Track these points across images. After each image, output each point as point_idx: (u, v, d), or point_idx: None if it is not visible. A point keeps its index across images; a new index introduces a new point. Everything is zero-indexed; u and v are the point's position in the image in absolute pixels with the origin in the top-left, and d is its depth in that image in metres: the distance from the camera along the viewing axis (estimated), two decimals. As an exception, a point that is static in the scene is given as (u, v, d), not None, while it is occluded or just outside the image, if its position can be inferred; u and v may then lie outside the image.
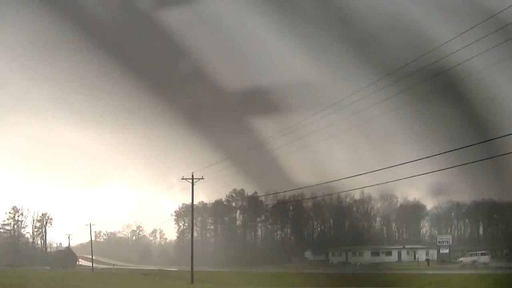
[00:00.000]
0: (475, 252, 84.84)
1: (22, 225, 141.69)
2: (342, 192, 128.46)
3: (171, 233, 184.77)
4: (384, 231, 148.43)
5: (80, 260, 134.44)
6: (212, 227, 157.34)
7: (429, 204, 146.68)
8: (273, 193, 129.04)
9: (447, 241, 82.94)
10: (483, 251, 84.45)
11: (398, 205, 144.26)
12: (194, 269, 54.01)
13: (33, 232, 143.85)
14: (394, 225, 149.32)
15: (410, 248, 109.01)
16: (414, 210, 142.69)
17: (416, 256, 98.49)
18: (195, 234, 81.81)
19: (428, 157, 26.62)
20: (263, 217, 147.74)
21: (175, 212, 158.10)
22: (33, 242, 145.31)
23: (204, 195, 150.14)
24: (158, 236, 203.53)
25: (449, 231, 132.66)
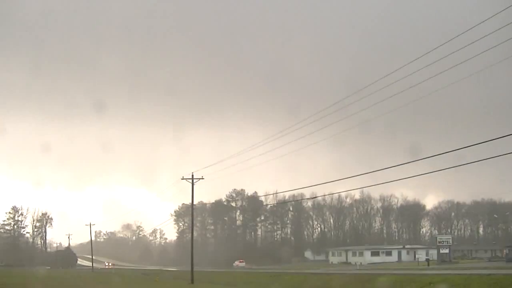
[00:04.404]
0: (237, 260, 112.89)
1: (22, 225, 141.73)
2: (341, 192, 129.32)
3: (171, 233, 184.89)
4: (384, 231, 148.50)
5: (109, 263, 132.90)
6: (212, 227, 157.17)
7: (429, 204, 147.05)
8: (273, 193, 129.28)
9: (447, 241, 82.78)
10: (241, 260, 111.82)
11: (399, 205, 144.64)
12: (194, 269, 53.97)
13: (33, 232, 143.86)
14: (394, 225, 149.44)
15: (410, 248, 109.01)
16: (414, 210, 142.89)
17: (416, 256, 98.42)
18: (195, 234, 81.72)
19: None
20: (263, 217, 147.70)
21: (174, 212, 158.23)
22: (33, 242, 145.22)
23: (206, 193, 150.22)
24: (158, 236, 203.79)
25: (449, 231, 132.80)
